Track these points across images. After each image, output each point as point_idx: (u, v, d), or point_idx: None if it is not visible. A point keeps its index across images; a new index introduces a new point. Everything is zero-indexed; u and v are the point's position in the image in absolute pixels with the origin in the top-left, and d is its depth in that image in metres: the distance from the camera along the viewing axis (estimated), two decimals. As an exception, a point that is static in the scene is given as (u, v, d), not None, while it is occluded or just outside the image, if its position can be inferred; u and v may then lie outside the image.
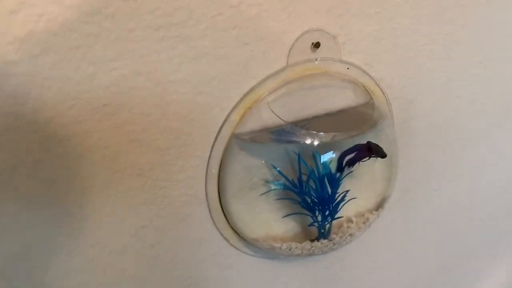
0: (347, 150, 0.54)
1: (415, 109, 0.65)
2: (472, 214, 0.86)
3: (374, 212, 0.62)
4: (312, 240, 0.57)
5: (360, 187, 0.60)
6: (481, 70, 0.69)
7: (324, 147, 0.54)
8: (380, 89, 0.59)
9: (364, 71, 0.57)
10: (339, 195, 0.55)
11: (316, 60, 0.53)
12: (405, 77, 0.62)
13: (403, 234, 0.77)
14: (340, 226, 0.61)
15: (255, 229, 0.57)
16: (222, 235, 0.57)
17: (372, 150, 0.52)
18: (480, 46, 0.66)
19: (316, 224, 0.56)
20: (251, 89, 0.51)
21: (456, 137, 0.73)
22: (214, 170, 0.52)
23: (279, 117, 0.51)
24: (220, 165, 0.52)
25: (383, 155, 0.52)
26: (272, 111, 0.51)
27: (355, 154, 0.52)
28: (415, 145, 0.68)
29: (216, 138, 0.51)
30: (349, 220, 0.61)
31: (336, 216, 0.56)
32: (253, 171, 0.54)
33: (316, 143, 0.50)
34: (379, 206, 0.63)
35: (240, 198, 0.54)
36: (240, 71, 0.49)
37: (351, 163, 0.54)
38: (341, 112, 0.57)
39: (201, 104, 0.49)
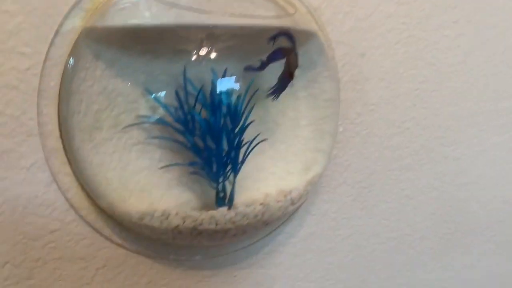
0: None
1: (370, 68, 0.49)
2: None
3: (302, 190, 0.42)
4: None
5: (282, 157, 0.42)
6: (455, 33, 0.54)
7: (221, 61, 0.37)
8: (316, 21, 0.44)
9: (291, -11, 0.42)
10: (243, 135, 0.37)
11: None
12: (353, 16, 0.47)
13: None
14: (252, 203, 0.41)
15: (123, 192, 0.37)
16: (66, 197, 0.37)
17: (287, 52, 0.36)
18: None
19: (211, 182, 0.37)
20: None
21: (428, 122, 0.55)
22: (53, 82, 0.35)
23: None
24: (63, 76, 0.35)
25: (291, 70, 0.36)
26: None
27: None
28: (368, 119, 0.51)
29: (57, 31, 0.35)
30: (266, 196, 0.42)
31: (239, 168, 0.37)
32: (116, 97, 0.37)
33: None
34: (308, 184, 0.43)
35: (95, 137, 0.36)
36: None
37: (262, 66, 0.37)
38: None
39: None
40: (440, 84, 0.54)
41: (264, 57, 0.35)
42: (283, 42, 0.37)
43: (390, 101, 0.51)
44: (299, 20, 0.41)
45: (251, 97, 0.36)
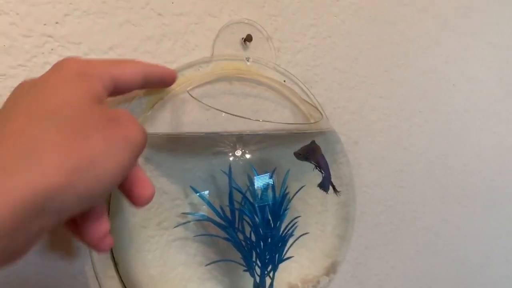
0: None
1: (362, 154, 0.55)
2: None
3: (324, 276, 0.45)
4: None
5: (303, 244, 0.45)
6: (422, 121, 0.62)
7: (259, 163, 0.40)
8: (325, 116, 0.49)
9: (303, 90, 0.48)
10: (286, 229, 0.39)
11: (248, 60, 0.43)
12: (347, 110, 0.53)
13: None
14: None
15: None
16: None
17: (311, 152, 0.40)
18: (421, 93, 0.61)
19: (252, 274, 0.38)
20: (165, 76, 0.38)
21: (408, 199, 0.62)
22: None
23: (208, 105, 0.37)
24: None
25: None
26: (196, 99, 0.37)
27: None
28: (362, 200, 0.56)
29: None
30: (294, 286, 0.44)
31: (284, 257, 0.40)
32: (161, 196, 0.38)
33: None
34: (329, 271, 0.47)
35: (140, 236, 0.37)
36: (150, 46, 0.37)
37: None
38: (278, 133, 0.45)
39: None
40: (412, 166, 0.61)
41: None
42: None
43: (377, 183, 0.57)
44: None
45: (294, 195, 0.40)
